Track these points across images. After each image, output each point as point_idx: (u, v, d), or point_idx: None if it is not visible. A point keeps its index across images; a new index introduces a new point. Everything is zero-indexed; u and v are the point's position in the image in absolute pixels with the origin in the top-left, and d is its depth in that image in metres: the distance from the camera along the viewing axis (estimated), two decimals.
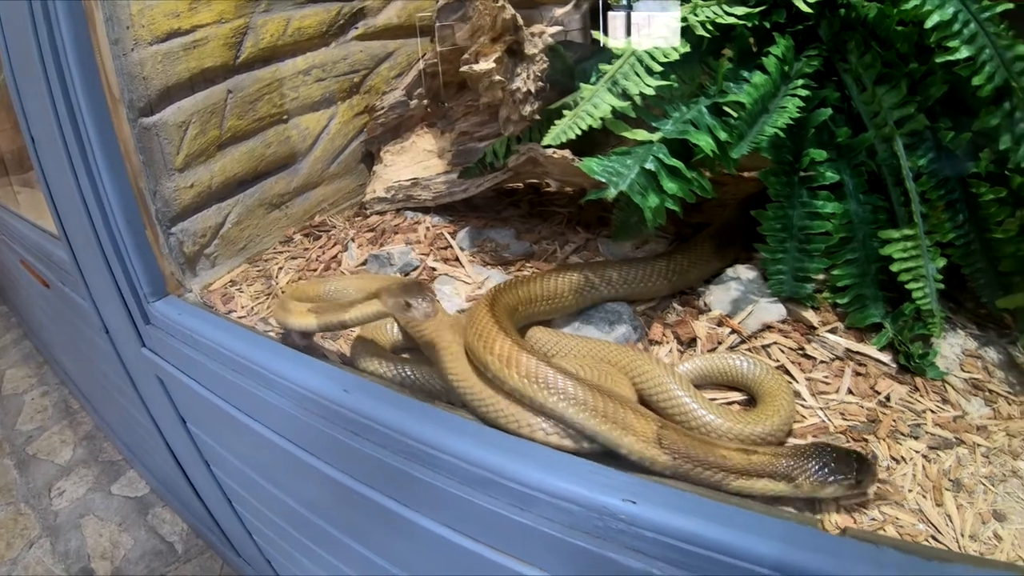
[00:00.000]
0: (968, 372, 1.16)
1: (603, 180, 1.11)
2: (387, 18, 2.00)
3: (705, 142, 1.13)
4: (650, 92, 1.14)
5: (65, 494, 2.98)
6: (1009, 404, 1.10)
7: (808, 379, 1.14)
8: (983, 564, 0.81)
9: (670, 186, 1.13)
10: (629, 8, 1.21)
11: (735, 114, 1.15)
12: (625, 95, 1.15)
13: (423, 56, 1.88)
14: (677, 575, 0.80)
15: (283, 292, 1.53)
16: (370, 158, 2.08)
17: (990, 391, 1.12)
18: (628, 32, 1.20)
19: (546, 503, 0.87)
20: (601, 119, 1.14)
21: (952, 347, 1.19)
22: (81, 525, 2.80)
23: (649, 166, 1.13)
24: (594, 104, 1.14)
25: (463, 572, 1.08)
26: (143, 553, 2.63)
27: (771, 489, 0.90)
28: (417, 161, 1.88)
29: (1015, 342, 1.20)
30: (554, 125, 1.15)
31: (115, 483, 3.03)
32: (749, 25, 1.21)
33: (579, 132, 1.14)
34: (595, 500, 0.83)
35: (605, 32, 1.21)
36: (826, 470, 0.88)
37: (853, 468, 0.88)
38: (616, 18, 1.21)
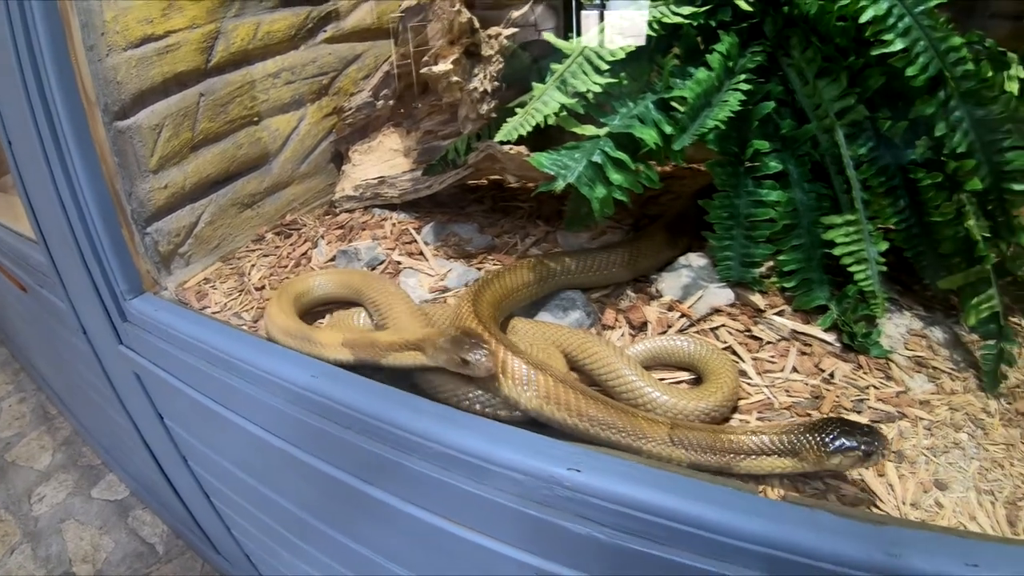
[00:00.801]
0: (912, 350, 1.19)
1: (552, 173, 1.16)
2: (355, 21, 2.03)
3: (649, 135, 1.18)
4: (598, 90, 1.19)
5: (45, 499, 2.97)
6: (952, 380, 1.13)
7: (754, 359, 1.18)
8: (915, 527, 0.84)
9: (616, 177, 1.18)
10: (584, 8, 1.26)
11: (680, 108, 1.19)
12: (574, 93, 1.19)
13: (389, 59, 1.92)
14: (622, 540, 0.83)
15: (268, 300, 1.48)
16: (339, 158, 2.10)
17: (934, 368, 1.15)
18: (579, 32, 1.24)
19: (498, 475, 0.90)
20: (554, 115, 1.18)
21: (897, 327, 1.23)
22: (62, 530, 2.79)
23: (596, 159, 1.17)
24: (544, 102, 1.18)
25: (431, 548, 1.11)
26: (124, 555, 2.63)
27: (778, 466, 0.92)
28: (384, 160, 1.91)
29: (960, 321, 1.24)
30: (507, 122, 1.19)
31: (95, 487, 3.02)
32: (695, 24, 1.25)
33: (530, 128, 1.18)
34: (543, 470, 0.86)
35: (559, 32, 1.26)
36: (830, 443, 0.88)
37: (860, 440, 0.87)
38: (575, 17, 1.26)
